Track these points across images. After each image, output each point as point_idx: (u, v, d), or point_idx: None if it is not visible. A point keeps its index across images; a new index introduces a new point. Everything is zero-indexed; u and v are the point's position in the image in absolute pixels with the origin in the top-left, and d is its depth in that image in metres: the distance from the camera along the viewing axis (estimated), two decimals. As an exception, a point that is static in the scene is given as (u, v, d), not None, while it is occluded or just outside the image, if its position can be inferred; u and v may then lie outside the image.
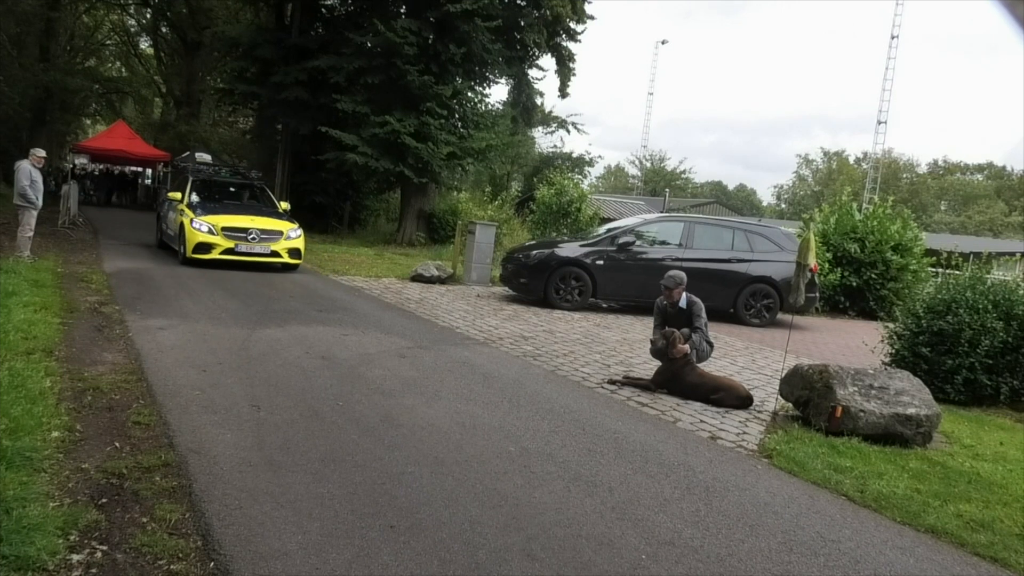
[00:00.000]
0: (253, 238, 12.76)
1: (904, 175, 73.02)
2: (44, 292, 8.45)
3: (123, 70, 45.15)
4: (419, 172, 20.03)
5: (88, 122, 49.89)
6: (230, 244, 12.62)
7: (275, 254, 12.91)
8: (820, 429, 5.69)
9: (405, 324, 9.02)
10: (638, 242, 11.99)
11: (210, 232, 12.61)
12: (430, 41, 19.96)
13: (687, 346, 6.58)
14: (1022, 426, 6.98)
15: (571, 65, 25.91)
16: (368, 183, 23.55)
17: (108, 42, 44.03)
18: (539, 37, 23.13)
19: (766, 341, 10.32)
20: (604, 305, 12.49)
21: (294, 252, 13.10)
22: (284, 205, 15.02)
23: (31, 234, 11.57)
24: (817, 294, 12.60)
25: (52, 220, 17.23)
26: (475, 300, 11.88)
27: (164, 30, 39.36)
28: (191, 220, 12.78)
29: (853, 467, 4.92)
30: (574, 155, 40.91)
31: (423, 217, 22.48)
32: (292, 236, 13.16)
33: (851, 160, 75.76)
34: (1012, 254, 18.48)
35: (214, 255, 12.52)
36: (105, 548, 2.98)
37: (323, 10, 25.18)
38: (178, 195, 14.04)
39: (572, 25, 24.43)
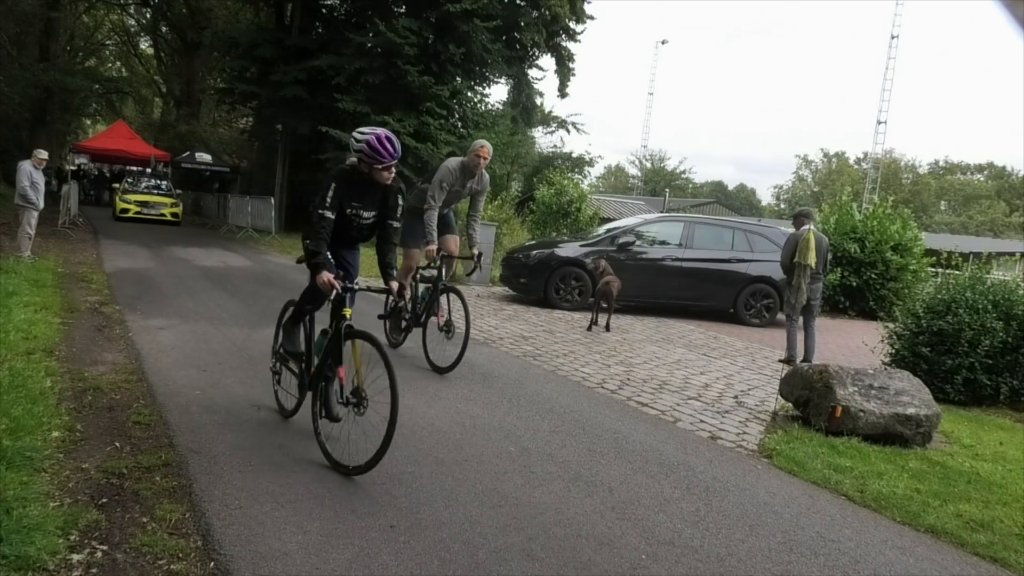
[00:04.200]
0: (151, 206, 23.23)
1: (905, 175, 73.02)
2: (44, 292, 8.45)
3: (123, 70, 45.17)
4: (419, 172, 20.00)
5: (88, 122, 49.88)
6: (138, 209, 22.88)
7: (162, 215, 23.18)
8: (820, 429, 5.69)
9: (405, 324, 9.00)
10: (638, 242, 12.00)
11: (127, 203, 23.02)
12: (430, 41, 19.97)
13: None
14: (1022, 426, 6.98)
15: (571, 65, 25.97)
16: (368, 183, 23.56)
17: (108, 42, 44.06)
18: (538, 37, 23.16)
19: (766, 341, 10.32)
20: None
21: (174, 214, 23.55)
22: (176, 191, 25.90)
23: (32, 234, 11.59)
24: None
25: (52, 220, 17.24)
26: (475, 300, 11.88)
27: (164, 30, 39.37)
28: (120, 197, 23.59)
29: (853, 467, 4.92)
30: (574, 155, 40.87)
31: (423, 217, 22.44)
32: (172, 206, 23.75)
33: (851, 160, 75.80)
34: (1012, 254, 18.50)
35: (130, 215, 22.60)
36: (105, 548, 2.98)
37: (323, 10, 25.18)
38: (118, 186, 26.02)
39: (571, 25, 24.48)
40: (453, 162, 6.87)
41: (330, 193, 4.19)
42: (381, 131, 4.24)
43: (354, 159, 4.28)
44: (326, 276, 4.03)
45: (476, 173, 6.79)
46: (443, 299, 6.58)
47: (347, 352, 4.07)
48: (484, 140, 6.93)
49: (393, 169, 4.28)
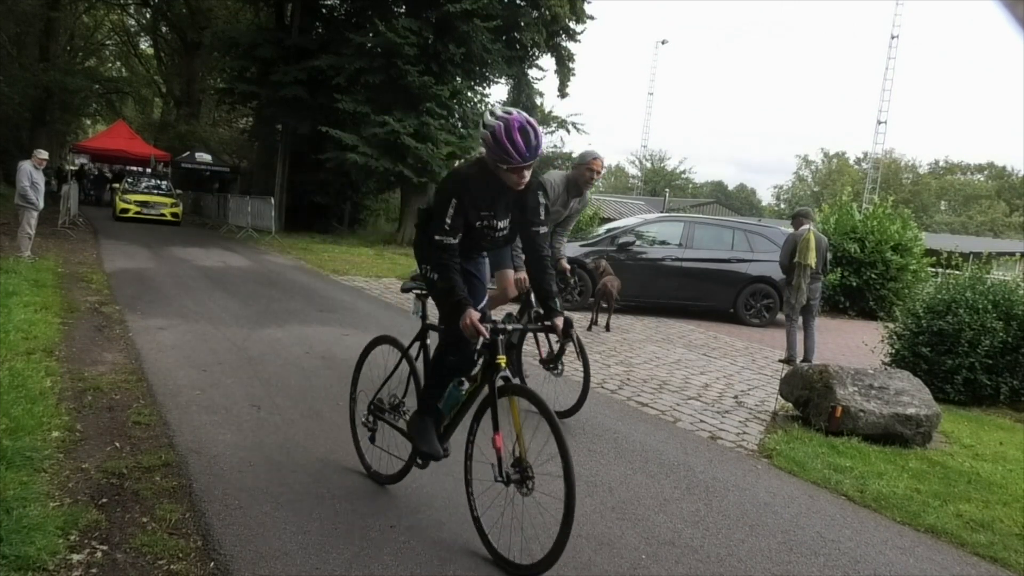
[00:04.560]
0: (151, 206, 23.18)
1: (905, 175, 73.03)
2: (44, 292, 8.45)
3: (123, 70, 45.21)
4: (419, 172, 20.05)
5: (88, 122, 49.89)
6: (138, 209, 22.84)
7: (162, 215, 23.14)
8: (820, 429, 5.69)
9: (406, 324, 9.01)
10: (638, 242, 12.00)
11: (127, 203, 22.98)
12: (430, 41, 19.98)
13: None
14: (1022, 426, 6.98)
15: (571, 65, 25.94)
16: (368, 183, 23.61)
17: (108, 42, 44.10)
18: (538, 37, 23.15)
19: (766, 341, 10.32)
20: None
21: (174, 214, 23.54)
22: (176, 191, 25.93)
23: (32, 234, 11.59)
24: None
25: (52, 220, 17.24)
26: (475, 300, 11.87)
27: (164, 30, 39.40)
28: (120, 197, 23.61)
29: (853, 467, 4.92)
30: (574, 155, 40.86)
31: (423, 217, 22.49)
32: (172, 206, 23.74)
33: (851, 160, 75.81)
34: (1012, 254, 18.50)
35: (130, 215, 22.57)
36: (105, 548, 2.97)
37: (323, 10, 25.20)
38: (118, 185, 26.27)
39: (571, 25, 24.47)
40: (556, 176, 5.56)
41: (450, 211, 3.13)
42: (517, 116, 3.05)
43: (483, 150, 3.18)
44: (471, 318, 3.04)
45: (584, 191, 5.65)
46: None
47: (502, 412, 3.19)
48: (596, 151, 5.65)
49: (527, 173, 3.10)
